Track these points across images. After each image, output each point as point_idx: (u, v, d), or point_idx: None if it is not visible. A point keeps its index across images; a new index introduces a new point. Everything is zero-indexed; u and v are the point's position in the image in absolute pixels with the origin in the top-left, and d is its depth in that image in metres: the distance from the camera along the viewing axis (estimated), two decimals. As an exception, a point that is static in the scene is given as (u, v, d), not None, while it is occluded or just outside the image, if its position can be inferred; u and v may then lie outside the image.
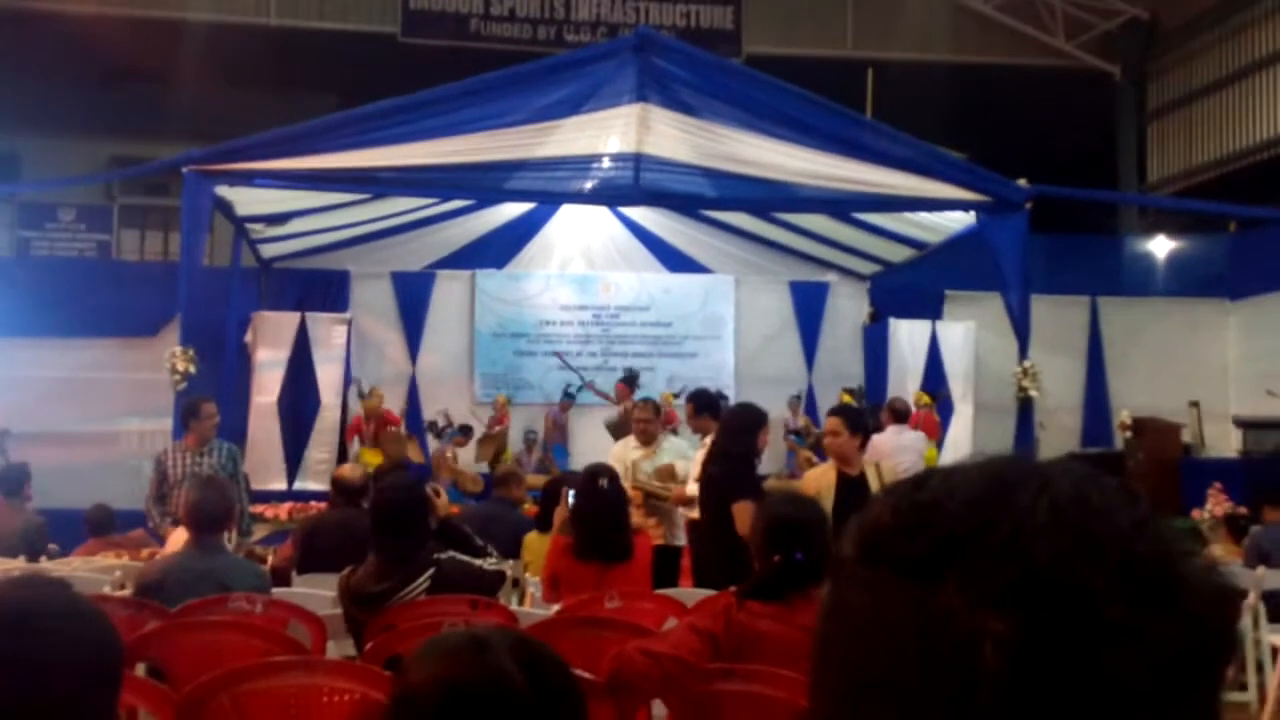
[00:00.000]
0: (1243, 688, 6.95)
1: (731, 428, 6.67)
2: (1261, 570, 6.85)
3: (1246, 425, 13.77)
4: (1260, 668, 6.93)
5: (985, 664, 0.58)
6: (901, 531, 0.63)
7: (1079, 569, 0.59)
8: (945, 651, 0.59)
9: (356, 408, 13.66)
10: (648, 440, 7.94)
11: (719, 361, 15.53)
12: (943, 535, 0.61)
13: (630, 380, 13.96)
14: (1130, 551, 0.60)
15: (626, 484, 6.83)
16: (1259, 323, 15.20)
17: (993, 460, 0.67)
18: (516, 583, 6.62)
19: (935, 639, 0.59)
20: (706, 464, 6.68)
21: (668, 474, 7.66)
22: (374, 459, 12.71)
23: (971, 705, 0.58)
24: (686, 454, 7.82)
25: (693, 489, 7.09)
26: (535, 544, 6.89)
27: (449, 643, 1.68)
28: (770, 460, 13.73)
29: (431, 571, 4.48)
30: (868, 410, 12.93)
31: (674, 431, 13.78)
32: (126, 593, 5.11)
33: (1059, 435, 13.97)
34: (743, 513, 5.98)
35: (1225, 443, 14.33)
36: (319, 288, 14.72)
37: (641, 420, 8.09)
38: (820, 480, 6.04)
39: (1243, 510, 9.75)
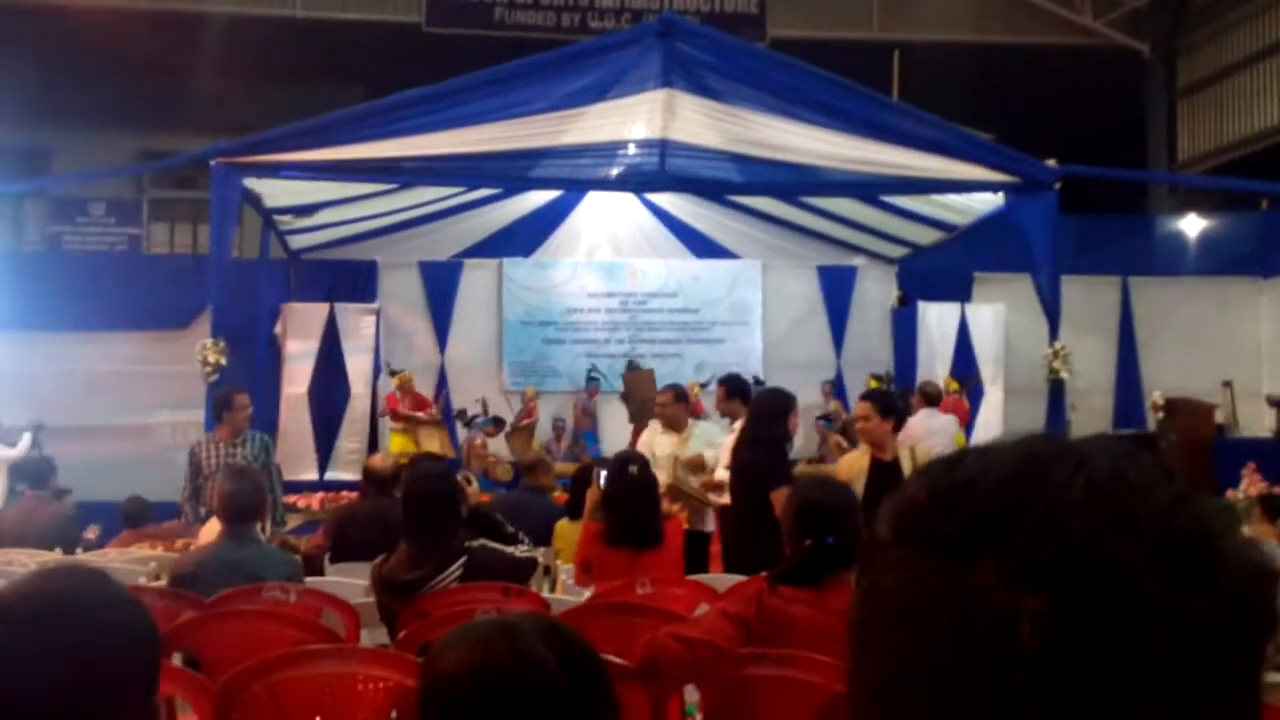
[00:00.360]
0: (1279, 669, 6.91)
1: (760, 413, 6.66)
2: (1298, 550, 6.81)
3: (1280, 404, 13.65)
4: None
5: (1022, 642, 0.58)
6: (937, 511, 0.63)
7: (1116, 546, 0.58)
8: (982, 630, 0.59)
9: (389, 387, 13.71)
10: (674, 426, 7.81)
11: (747, 347, 15.50)
12: (979, 514, 0.61)
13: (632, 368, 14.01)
14: (1168, 528, 0.60)
15: (660, 474, 6.81)
16: (1292, 301, 15.07)
17: (1027, 438, 0.66)
18: (548, 570, 6.64)
19: (972, 618, 0.59)
20: (737, 449, 6.67)
21: (697, 465, 7.57)
22: (405, 447, 12.80)
23: (1009, 683, 0.58)
24: (715, 440, 7.71)
25: (722, 475, 7.08)
26: (566, 531, 6.90)
27: (479, 630, 1.68)
28: (801, 445, 13.72)
29: (463, 559, 4.50)
30: (897, 394, 12.91)
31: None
32: (161, 583, 5.16)
33: (1090, 417, 13.88)
34: (782, 500, 6.02)
35: (1259, 422, 14.22)
36: (347, 278, 14.78)
37: (661, 405, 7.98)
38: (853, 465, 6.02)
39: (1277, 489, 9.67)
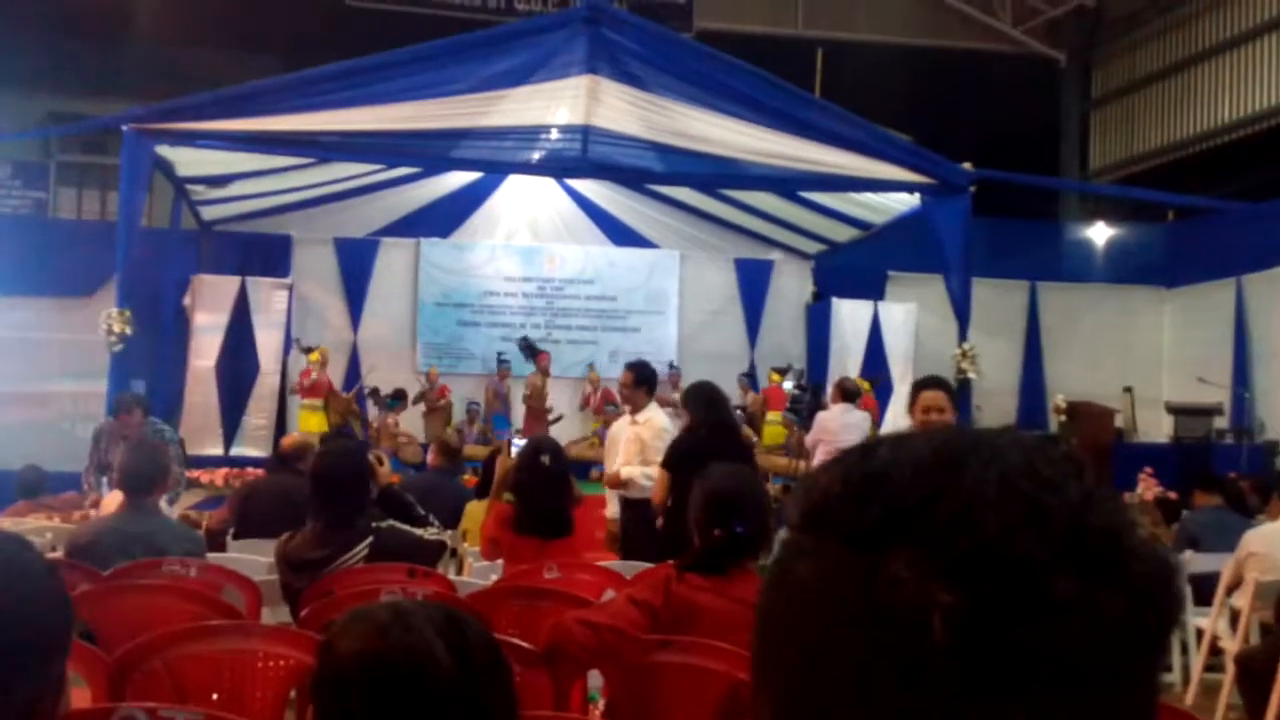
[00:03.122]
0: (1168, 669, 7.09)
1: (707, 400, 6.66)
2: (1190, 554, 6.98)
3: (1178, 411, 13.99)
4: (1185, 649, 7.07)
5: (933, 636, 0.58)
6: (850, 501, 0.63)
7: (1028, 541, 0.59)
8: (893, 623, 0.59)
9: (302, 364, 13.52)
10: (635, 408, 7.26)
11: (662, 336, 15.55)
12: (891, 506, 0.61)
13: (528, 350, 13.95)
14: (1079, 524, 0.60)
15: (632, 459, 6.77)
16: (1193, 311, 15.46)
17: (942, 430, 0.67)
18: (455, 552, 6.61)
19: (883, 611, 0.59)
20: (681, 443, 6.59)
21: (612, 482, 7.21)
22: (314, 424, 12.65)
23: (920, 677, 0.58)
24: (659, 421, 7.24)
25: (629, 471, 7.02)
26: (475, 512, 6.87)
27: (372, 616, 1.67)
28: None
29: (370, 540, 4.45)
30: (810, 389, 13.03)
31: (611, 406, 13.85)
32: (58, 555, 5.04)
33: (995, 417, 14.12)
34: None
35: (1157, 428, 14.57)
36: (260, 252, 14.54)
37: (625, 386, 7.40)
38: None
39: (1172, 495, 9.93)
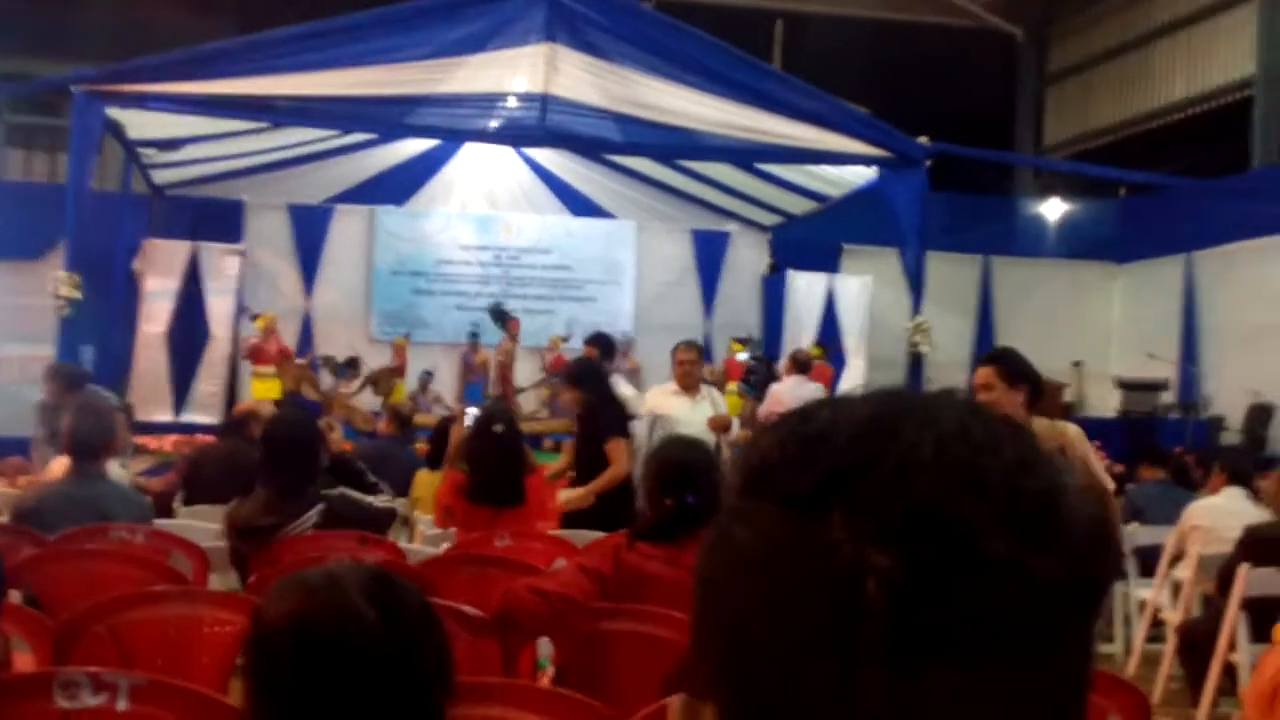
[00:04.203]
0: (1110, 640, 7.21)
1: (587, 379, 6.66)
2: (1135, 526, 7.09)
3: (1126, 386, 14.19)
4: (1128, 621, 7.19)
5: (869, 599, 0.58)
6: (787, 465, 0.63)
7: (963, 503, 0.59)
8: (830, 586, 0.59)
9: (251, 334, 13.41)
10: (689, 386, 7.04)
11: (618, 306, 15.54)
12: (828, 469, 0.61)
13: (498, 316, 13.79)
14: (1014, 486, 0.61)
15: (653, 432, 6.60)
16: (1143, 287, 15.64)
17: (879, 393, 0.67)
18: (407, 520, 6.60)
19: (819, 573, 0.59)
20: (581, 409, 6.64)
21: (722, 425, 6.94)
22: (266, 392, 12.57)
23: (856, 639, 0.58)
24: (721, 405, 7.18)
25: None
26: (426, 480, 6.87)
27: (304, 581, 1.68)
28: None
29: (321, 507, 4.44)
30: (764, 361, 13.08)
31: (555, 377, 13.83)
32: (3, 519, 4.98)
33: (948, 391, 14.22)
34: (616, 450, 6.25)
35: (1105, 403, 14.76)
36: (212, 217, 14.37)
37: (685, 363, 7.09)
38: None
39: (1119, 468, 10.06)
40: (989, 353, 5.10)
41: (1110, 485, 5.35)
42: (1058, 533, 0.61)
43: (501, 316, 13.77)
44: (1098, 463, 5.41)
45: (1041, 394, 4.91)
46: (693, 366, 7.06)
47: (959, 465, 0.61)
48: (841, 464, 0.61)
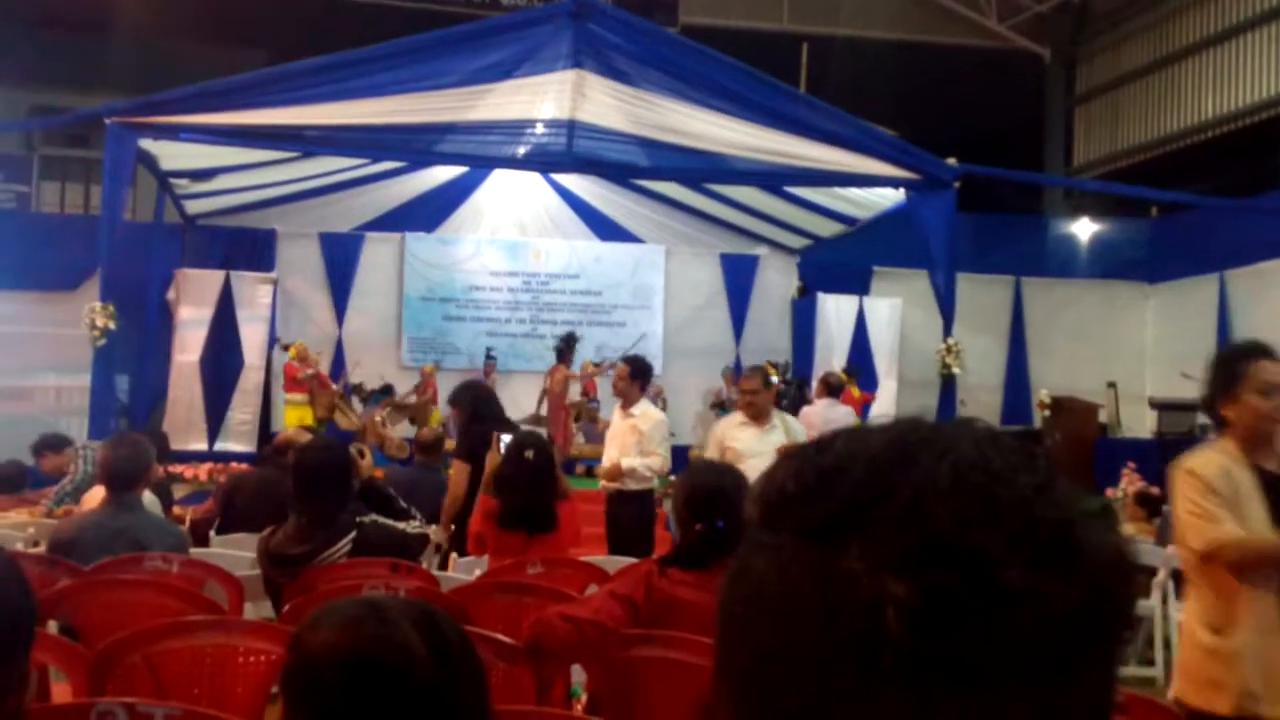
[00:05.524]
0: (1150, 663, 7.12)
1: (461, 398, 7.24)
2: (1172, 549, 7.00)
3: (1161, 407, 14.03)
4: (1168, 644, 7.09)
5: (887, 629, 0.58)
6: (805, 496, 0.63)
7: (979, 533, 0.59)
8: (848, 616, 0.59)
9: (283, 361, 13.51)
10: (757, 415, 6.80)
11: (648, 331, 15.54)
12: (846, 500, 0.61)
13: (568, 343, 13.88)
14: (1030, 515, 0.61)
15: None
16: (1176, 306, 15.51)
17: (896, 424, 0.67)
18: (439, 547, 6.60)
19: (837, 604, 0.60)
20: (473, 437, 6.88)
21: None
22: (299, 419, 12.64)
23: (874, 670, 0.59)
24: (799, 436, 6.82)
25: (630, 463, 7.09)
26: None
27: (346, 610, 1.65)
28: (698, 430, 13.86)
29: (353, 534, 4.45)
30: (794, 384, 13.05)
31: (592, 401, 13.85)
32: (40, 550, 5.03)
33: (980, 412, 13.75)
34: (455, 473, 6.91)
35: (1140, 424, 14.61)
36: (244, 246, 14.50)
37: (748, 393, 6.90)
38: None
39: (1154, 490, 9.96)
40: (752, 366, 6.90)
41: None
42: (1076, 561, 0.61)
43: (571, 344, 13.81)
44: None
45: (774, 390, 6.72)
46: (755, 396, 6.81)
47: (975, 494, 0.61)
48: (858, 495, 0.62)
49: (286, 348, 13.43)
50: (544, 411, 13.67)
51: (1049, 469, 0.64)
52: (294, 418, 12.81)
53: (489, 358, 14.65)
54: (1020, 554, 0.59)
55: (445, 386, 14.47)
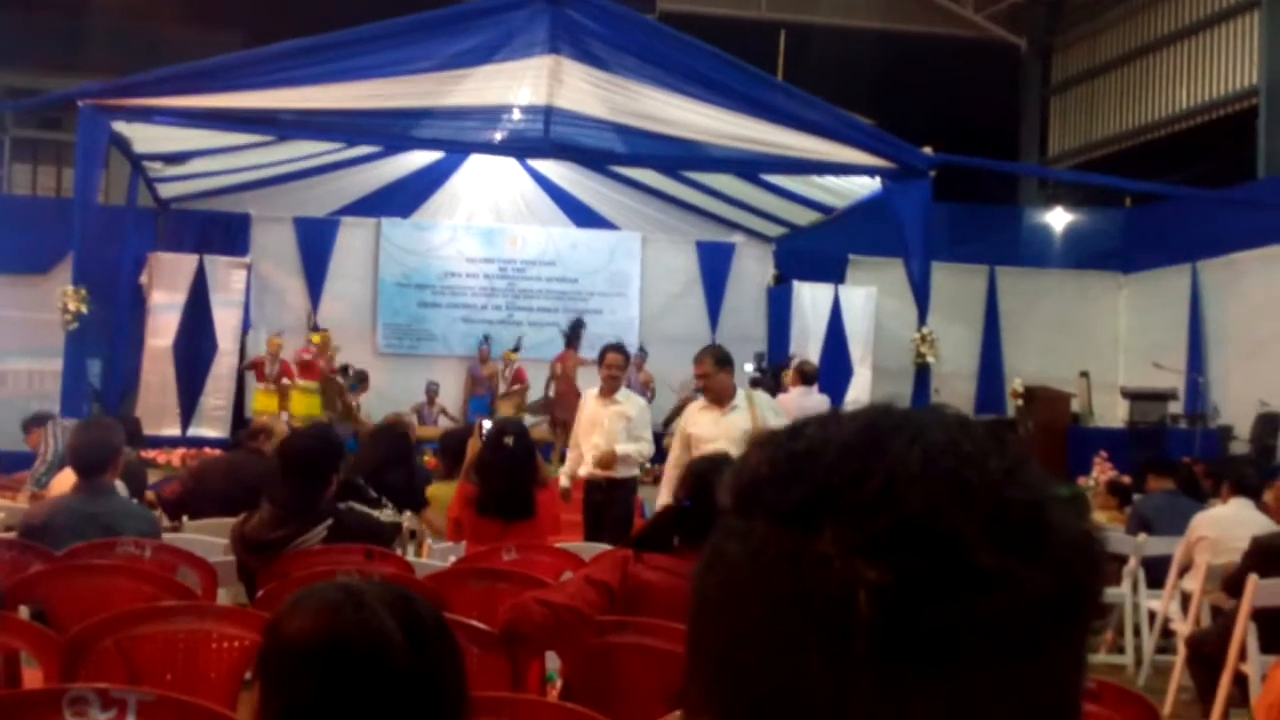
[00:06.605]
0: (1120, 650, 7.18)
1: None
2: (1143, 537, 7.06)
3: (1133, 396, 14.13)
4: (1138, 632, 7.16)
5: (859, 612, 0.59)
6: (778, 480, 0.64)
7: (950, 516, 0.60)
8: (820, 599, 0.60)
9: (260, 345, 13.49)
10: (716, 399, 6.52)
11: (624, 318, 15.52)
12: (818, 484, 0.62)
13: (575, 329, 13.93)
14: (1001, 498, 0.61)
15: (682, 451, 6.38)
16: (1149, 296, 15.62)
17: (868, 409, 0.68)
18: (414, 534, 6.59)
19: (810, 588, 0.60)
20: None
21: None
22: (269, 405, 12.63)
23: (847, 653, 0.59)
24: (767, 409, 6.63)
25: (625, 448, 7.08)
26: (439, 494, 6.88)
27: (325, 596, 1.65)
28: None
29: (329, 521, 4.44)
30: (769, 372, 13.07)
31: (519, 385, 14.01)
32: (11, 535, 4.99)
33: (954, 401, 14.13)
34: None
35: (1112, 413, 14.71)
36: (218, 230, 14.41)
37: (700, 376, 6.66)
38: None
39: (1125, 479, 10.04)
40: (704, 348, 6.89)
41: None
42: (1046, 544, 0.62)
43: (578, 330, 13.83)
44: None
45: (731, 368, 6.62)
46: (706, 379, 6.54)
47: (946, 478, 0.61)
48: (830, 479, 0.62)
49: (316, 330, 13.41)
50: (552, 394, 13.73)
51: (1020, 453, 0.65)
52: (301, 405, 12.80)
53: (484, 343, 14.66)
54: (991, 536, 0.60)
55: (418, 371, 14.50)
